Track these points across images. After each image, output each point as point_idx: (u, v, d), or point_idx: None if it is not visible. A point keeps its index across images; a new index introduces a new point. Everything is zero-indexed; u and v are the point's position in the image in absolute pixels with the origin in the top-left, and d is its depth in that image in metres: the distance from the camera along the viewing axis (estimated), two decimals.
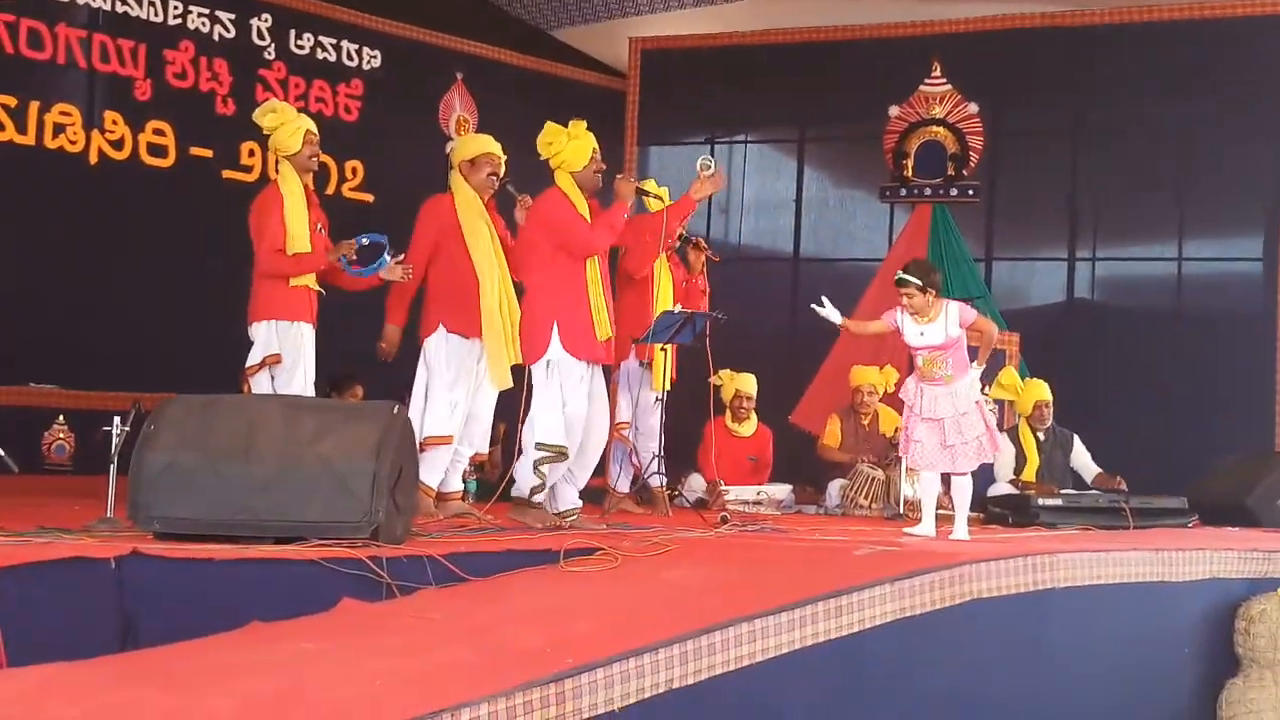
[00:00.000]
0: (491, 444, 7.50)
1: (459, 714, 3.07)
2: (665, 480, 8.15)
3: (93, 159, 10.02)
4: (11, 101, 9.65)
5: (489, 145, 7.14)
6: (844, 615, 4.45)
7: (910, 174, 11.96)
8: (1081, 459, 9.44)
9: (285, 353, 6.66)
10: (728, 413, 9.66)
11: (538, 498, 6.53)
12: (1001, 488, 9.03)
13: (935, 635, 4.87)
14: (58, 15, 9.87)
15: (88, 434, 8.51)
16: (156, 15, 10.32)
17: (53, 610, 4.14)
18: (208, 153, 10.51)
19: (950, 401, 6.72)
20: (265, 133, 6.91)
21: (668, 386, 8.05)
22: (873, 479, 8.89)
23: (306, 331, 6.77)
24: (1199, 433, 10.61)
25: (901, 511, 8.45)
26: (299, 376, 6.70)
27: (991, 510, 8.30)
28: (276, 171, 6.94)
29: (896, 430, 8.27)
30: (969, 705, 5.02)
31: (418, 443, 6.28)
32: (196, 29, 10.52)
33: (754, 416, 9.75)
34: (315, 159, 6.90)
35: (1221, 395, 10.86)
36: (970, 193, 11.83)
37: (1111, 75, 11.52)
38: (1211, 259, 11.56)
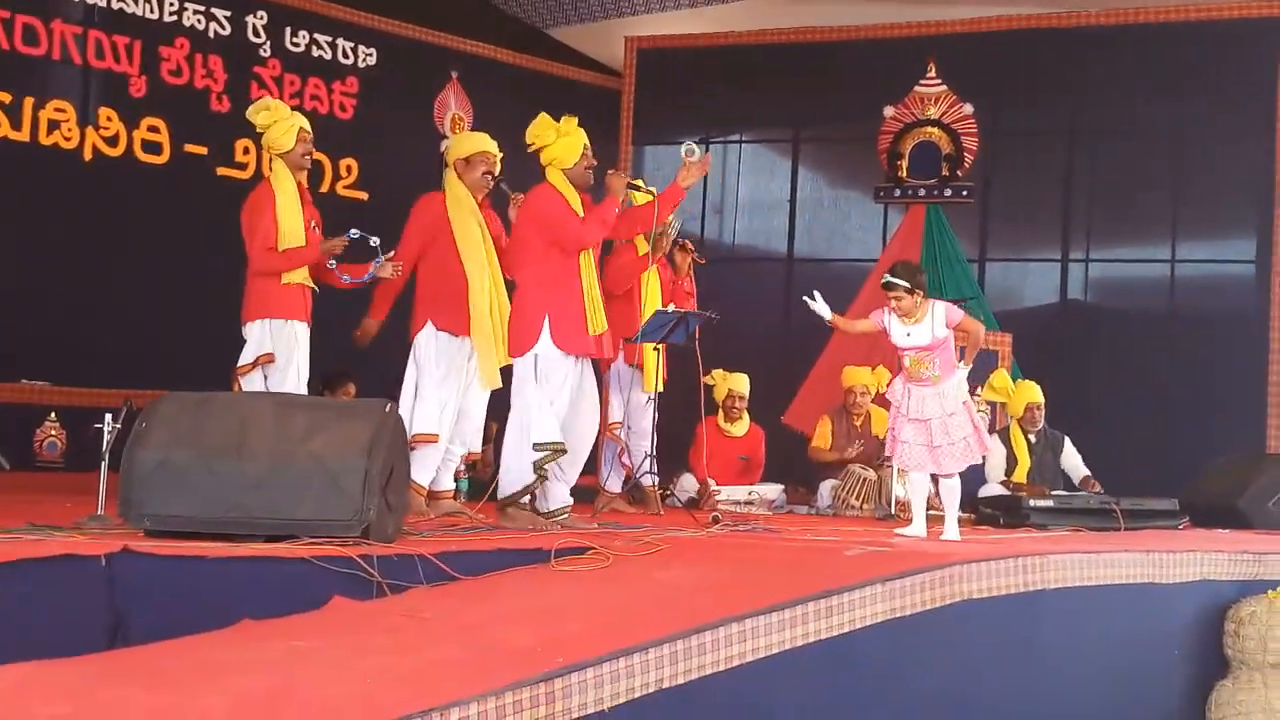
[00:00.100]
0: (484, 442, 7.50)
1: (449, 713, 3.07)
2: (657, 480, 8.16)
3: (87, 156, 10.03)
4: (6, 98, 9.67)
5: (484, 144, 7.13)
6: (835, 615, 4.45)
7: (905, 174, 11.98)
8: (1071, 460, 9.45)
9: (279, 351, 6.65)
10: (720, 413, 9.67)
11: (524, 499, 6.52)
12: (993, 489, 9.04)
13: (926, 636, 4.87)
14: (53, 11, 9.89)
15: (79, 431, 8.53)
16: (152, 12, 10.33)
17: (43, 607, 4.14)
18: (202, 150, 10.52)
19: (938, 402, 6.72)
20: (259, 130, 6.91)
21: (660, 388, 8.05)
22: (864, 479, 8.90)
23: (301, 330, 6.76)
24: (1191, 434, 10.63)
25: (893, 512, 8.46)
26: (292, 375, 6.69)
27: (983, 511, 8.31)
28: (270, 169, 6.93)
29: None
30: (959, 706, 5.03)
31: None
32: (192, 26, 10.53)
33: (746, 416, 9.76)
34: (308, 157, 6.90)
35: (1214, 397, 10.88)
36: (964, 193, 11.84)
37: (1105, 77, 11.55)
38: (1204, 261, 11.58)
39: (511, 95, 11.84)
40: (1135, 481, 8.90)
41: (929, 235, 11.71)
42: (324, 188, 10.92)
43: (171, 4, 10.41)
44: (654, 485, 8.15)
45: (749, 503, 9.02)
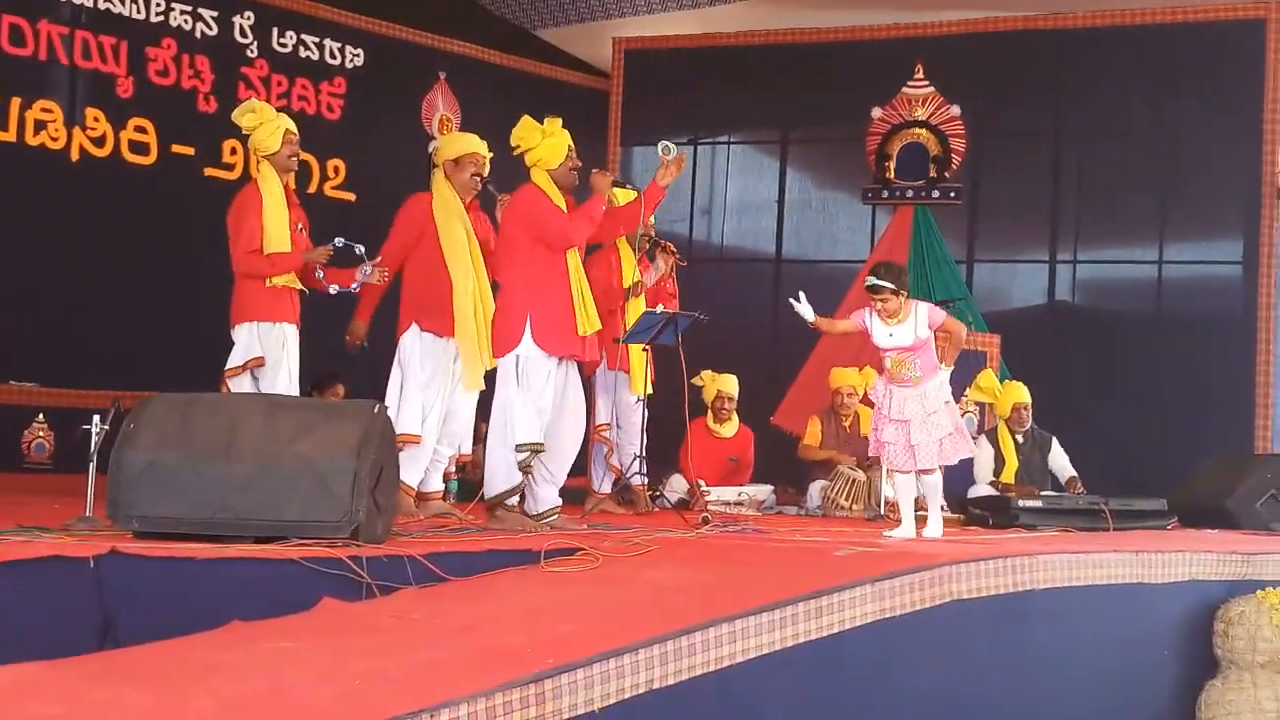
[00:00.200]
0: (474, 443, 7.50)
1: (439, 714, 3.07)
2: (646, 480, 8.16)
3: (74, 156, 10.01)
4: None
5: (474, 145, 7.11)
6: (824, 616, 4.46)
7: (892, 176, 11.99)
8: (1059, 460, 9.47)
9: (268, 354, 6.64)
10: (709, 413, 9.67)
11: (512, 500, 6.51)
12: (981, 489, 9.06)
13: (915, 636, 4.87)
14: (40, 11, 9.85)
15: (68, 432, 8.50)
16: (139, 12, 10.30)
17: (31, 609, 4.12)
18: (189, 150, 10.50)
19: (919, 403, 6.71)
20: (244, 133, 6.90)
21: (649, 390, 8.04)
22: (854, 480, 8.91)
23: (290, 332, 6.75)
24: (1179, 435, 10.65)
25: (882, 513, 8.47)
26: (282, 377, 6.68)
27: (971, 512, 8.32)
28: (257, 171, 6.92)
29: None
30: (949, 706, 5.03)
31: None
32: (179, 26, 10.50)
33: (735, 417, 9.76)
34: (295, 158, 6.89)
35: (1202, 398, 10.90)
36: (952, 195, 11.86)
37: (1093, 78, 11.57)
38: (1192, 262, 11.60)
39: (499, 96, 11.83)
40: (1124, 482, 8.92)
41: (917, 236, 11.72)
42: (311, 188, 10.90)
43: (158, 4, 10.39)
44: (643, 485, 8.16)
45: (738, 503, 9.02)
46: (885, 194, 12.04)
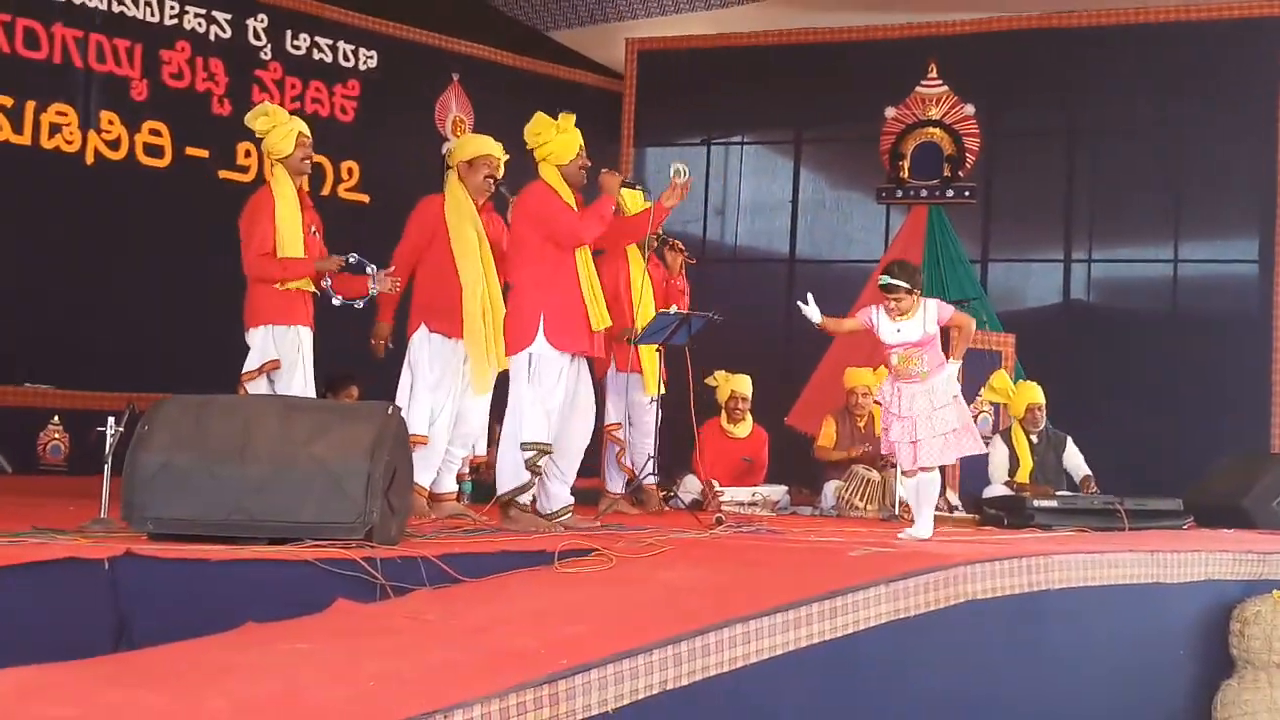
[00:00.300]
0: (489, 445, 7.50)
1: (453, 715, 3.07)
2: (658, 479, 8.18)
3: (89, 159, 10.04)
4: (8, 101, 9.67)
5: (488, 146, 7.09)
6: (839, 617, 4.45)
7: (906, 175, 11.98)
8: (1073, 460, 9.44)
9: (283, 356, 6.64)
10: (723, 414, 9.67)
11: (524, 498, 6.51)
12: (996, 489, 9.03)
13: (930, 637, 4.86)
14: (54, 15, 9.88)
15: (83, 434, 8.51)
16: (153, 15, 10.33)
17: (46, 611, 4.14)
18: (204, 153, 10.53)
19: (927, 398, 6.66)
20: (258, 136, 6.91)
21: (662, 390, 8.04)
22: (868, 480, 8.89)
23: (305, 335, 6.75)
24: (1195, 434, 10.62)
25: (897, 513, 8.45)
26: (298, 379, 6.68)
27: (986, 512, 8.30)
28: (271, 174, 6.93)
29: None
30: (964, 706, 5.02)
31: None
32: (193, 29, 10.53)
33: (749, 418, 9.75)
34: (308, 161, 6.89)
35: (1218, 397, 10.87)
36: (966, 194, 11.84)
37: (1107, 77, 11.55)
38: (1207, 260, 11.57)
39: (512, 97, 11.81)
40: (1139, 481, 8.90)
41: (931, 236, 11.70)
42: (325, 190, 10.92)
43: (172, 7, 10.42)
44: (655, 485, 8.17)
45: (752, 504, 9.01)
46: (899, 193, 12.03)
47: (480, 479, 8.35)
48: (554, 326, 6.46)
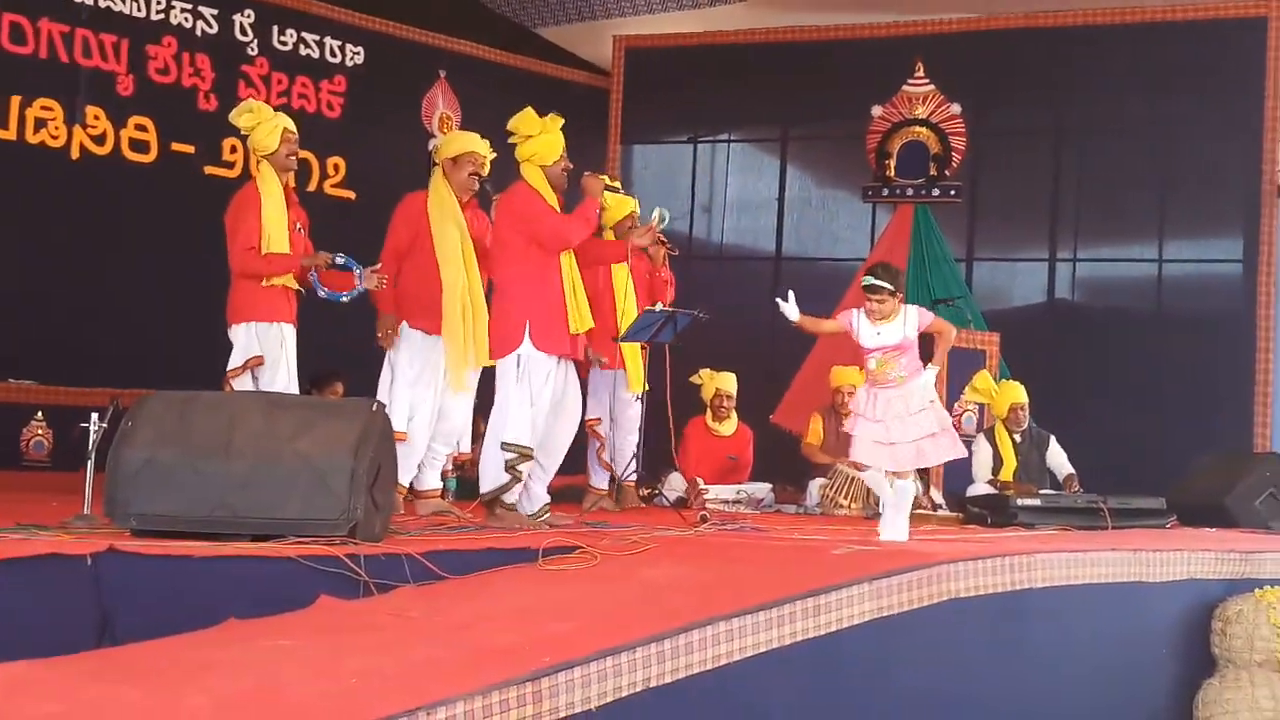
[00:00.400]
0: (474, 441, 7.49)
1: (435, 712, 3.07)
2: (639, 476, 8.20)
3: (75, 154, 9.99)
4: None
5: (473, 144, 7.07)
6: (822, 615, 4.46)
7: (892, 174, 11.99)
8: (1057, 459, 9.46)
9: (266, 353, 6.63)
10: (708, 412, 9.68)
11: (510, 498, 6.51)
12: (980, 488, 9.06)
13: (913, 635, 4.87)
14: (41, 10, 9.84)
15: (66, 430, 8.50)
16: (139, 10, 10.29)
17: (29, 607, 4.13)
18: (189, 148, 10.49)
19: (903, 403, 6.64)
20: (243, 133, 6.90)
21: (647, 386, 8.05)
22: (852, 479, 8.90)
23: (288, 332, 6.74)
24: (1179, 433, 10.65)
25: (881, 511, 8.45)
26: (281, 376, 6.67)
27: (970, 510, 8.32)
28: (257, 170, 6.92)
29: None
30: (947, 704, 5.03)
31: None
32: (179, 24, 10.49)
33: (734, 416, 9.76)
34: (294, 157, 6.88)
35: (1201, 396, 10.90)
36: (952, 193, 11.86)
37: (1093, 76, 11.57)
38: (1192, 260, 11.61)
39: (499, 94, 11.77)
40: (1123, 480, 8.92)
41: (917, 235, 11.71)
42: (311, 187, 10.89)
43: (159, 2, 10.37)
44: (633, 482, 8.19)
45: (737, 502, 9.03)
46: (885, 192, 12.04)
47: (464, 476, 8.35)
48: (539, 330, 6.48)
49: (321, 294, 6.75)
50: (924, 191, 11.90)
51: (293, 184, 6.97)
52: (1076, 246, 11.86)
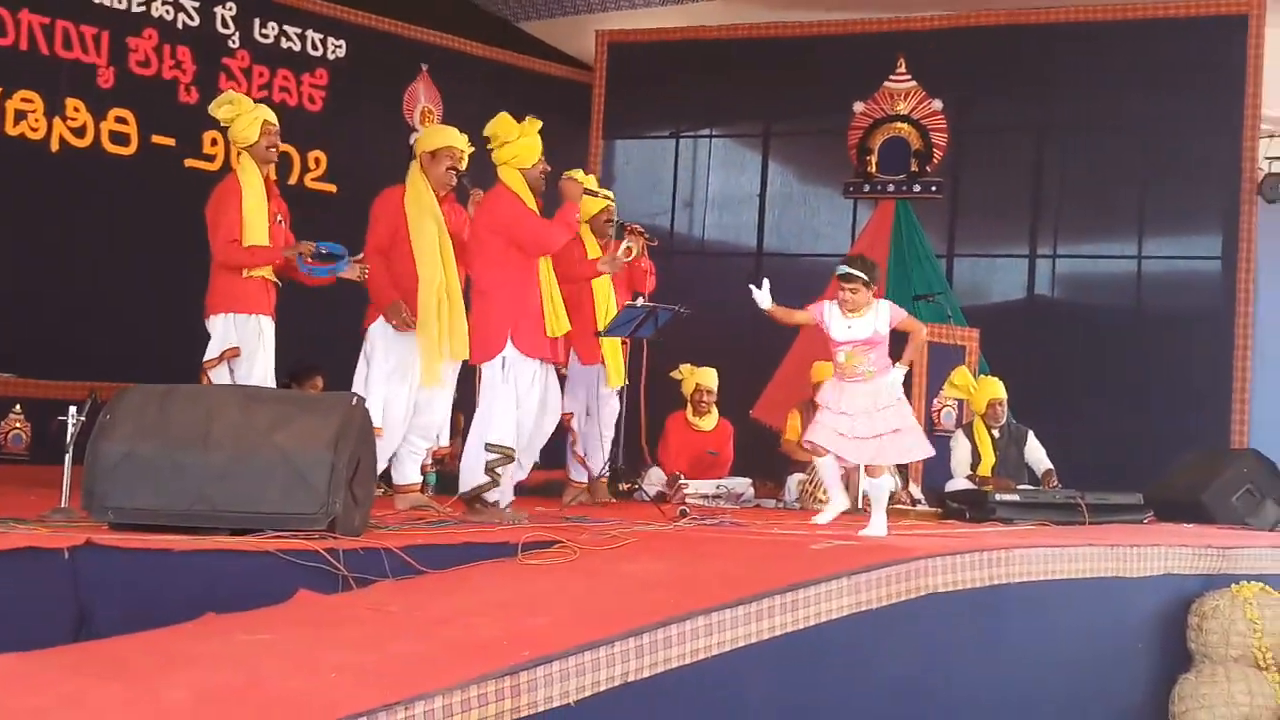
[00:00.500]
0: (452, 436, 7.48)
1: (414, 706, 3.08)
2: (620, 470, 8.20)
3: (54, 146, 9.97)
4: None
5: (452, 138, 7.03)
6: (800, 609, 4.47)
7: (874, 170, 12.01)
8: (1035, 454, 9.49)
9: (243, 345, 6.63)
10: (688, 407, 9.68)
11: (491, 496, 6.52)
12: (958, 483, 9.08)
13: (891, 629, 4.89)
14: (21, 1, 9.80)
15: (44, 423, 8.47)
16: (120, 3, 10.26)
17: (6, 601, 4.11)
18: (170, 141, 10.47)
19: (870, 399, 6.64)
20: (222, 125, 6.89)
21: (626, 381, 8.06)
22: None
23: (266, 324, 6.74)
24: (1157, 429, 10.70)
25: (860, 507, 8.47)
26: (258, 369, 6.67)
27: (949, 505, 8.34)
28: (237, 162, 6.90)
29: None
30: (925, 698, 5.05)
31: None
32: (160, 17, 10.47)
33: (715, 411, 9.77)
34: (274, 150, 6.87)
35: (1180, 393, 10.95)
36: (933, 189, 11.88)
37: (1074, 72, 11.61)
38: (1172, 256, 11.66)
39: (482, 88, 11.80)
40: (1101, 476, 8.95)
41: (897, 231, 11.73)
42: (292, 180, 10.88)
43: None
44: (604, 477, 8.19)
45: (717, 497, 9.03)
46: (866, 188, 12.06)
47: (444, 470, 8.35)
48: (522, 334, 6.52)
49: (304, 269, 6.71)
50: (905, 187, 11.93)
51: (273, 176, 6.96)
52: (1056, 243, 11.90)
